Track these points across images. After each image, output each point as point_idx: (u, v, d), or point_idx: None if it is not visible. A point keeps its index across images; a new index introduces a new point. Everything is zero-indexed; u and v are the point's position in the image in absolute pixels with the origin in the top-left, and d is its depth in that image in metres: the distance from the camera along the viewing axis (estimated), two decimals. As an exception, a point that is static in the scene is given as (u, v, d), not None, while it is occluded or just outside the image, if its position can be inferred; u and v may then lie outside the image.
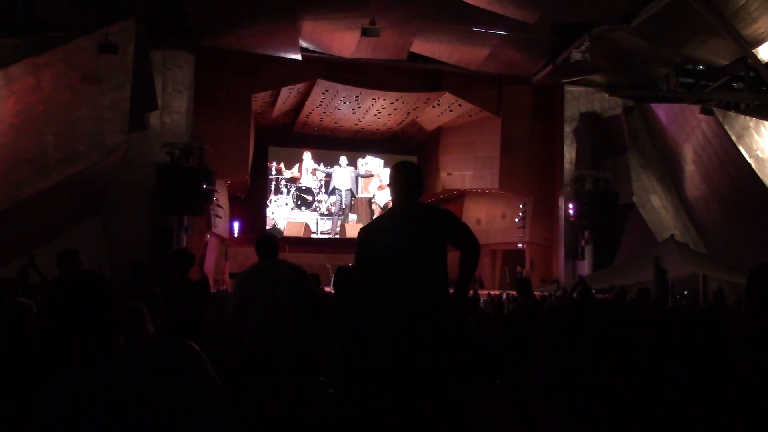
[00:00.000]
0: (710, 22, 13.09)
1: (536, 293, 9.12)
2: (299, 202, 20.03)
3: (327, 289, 11.61)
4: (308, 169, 20.17)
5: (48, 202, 11.30)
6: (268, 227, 18.94)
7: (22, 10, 13.74)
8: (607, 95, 18.14)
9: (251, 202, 19.45)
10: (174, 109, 14.44)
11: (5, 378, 2.80)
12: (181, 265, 5.27)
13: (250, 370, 3.78)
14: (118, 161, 12.50)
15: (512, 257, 19.31)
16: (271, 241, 4.49)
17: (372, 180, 20.68)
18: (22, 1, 13.62)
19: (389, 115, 19.21)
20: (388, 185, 4.11)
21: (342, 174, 20.28)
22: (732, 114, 14.68)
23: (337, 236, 20.09)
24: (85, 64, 11.60)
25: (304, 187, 20.10)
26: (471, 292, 9.41)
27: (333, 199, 20.24)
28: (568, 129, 18.01)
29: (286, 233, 19.19)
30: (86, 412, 1.60)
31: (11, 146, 11.13)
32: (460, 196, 20.34)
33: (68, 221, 12.20)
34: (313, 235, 19.92)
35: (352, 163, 20.51)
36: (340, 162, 20.30)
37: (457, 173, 19.73)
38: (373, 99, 18.14)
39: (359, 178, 20.68)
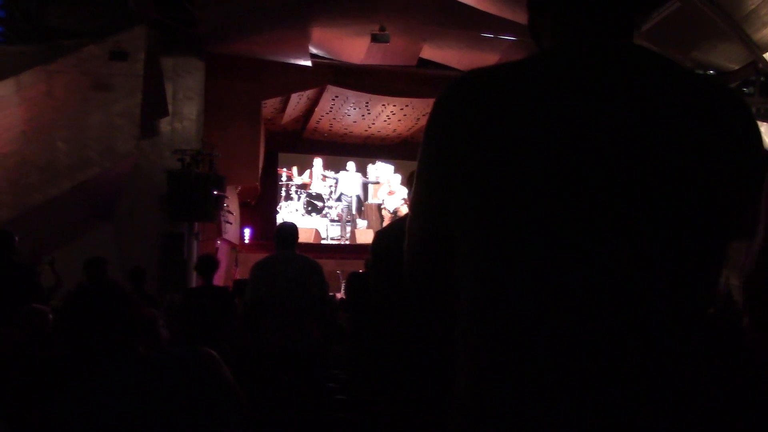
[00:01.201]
0: (720, 26, 13.04)
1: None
2: (309, 208, 20.04)
3: (338, 295, 11.63)
4: (318, 175, 20.16)
5: (59, 208, 11.35)
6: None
7: (34, 17, 13.85)
8: (617, 100, 18.05)
9: (262, 208, 19.46)
10: (184, 116, 14.46)
11: (22, 383, 2.82)
12: (204, 271, 5.33)
13: (259, 369, 3.77)
14: (129, 168, 12.53)
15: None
16: (288, 232, 4.38)
17: (381, 185, 20.65)
18: (34, 9, 13.73)
19: (399, 120, 19.22)
20: (407, 188, 4.05)
21: (349, 180, 20.26)
22: (743, 118, 14.59)
23: (347, 242, 20.08)
24: (96, 71, 11.67)
25: (314, 193, 20.10)
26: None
27: (341, 205, 20.22)
28: (578, 134, 17.91)
29: (296, 239, 19.14)
30: (103, 419, 1.59)
31: (22, 153, 11.20)
32: (471, 201, 20.25)
33: (79, 227, 12.25)
34: (323, 241, 19.91)
35: (361, 169, 20.49)
36: (348, 168, 20.28)
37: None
38: (383, 105, 18.15)
39: (368, 184, 20.65)
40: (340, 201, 20.22)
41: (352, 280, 4.27)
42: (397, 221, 3.53)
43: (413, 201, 1.25)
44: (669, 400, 1.01)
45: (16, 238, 5.04)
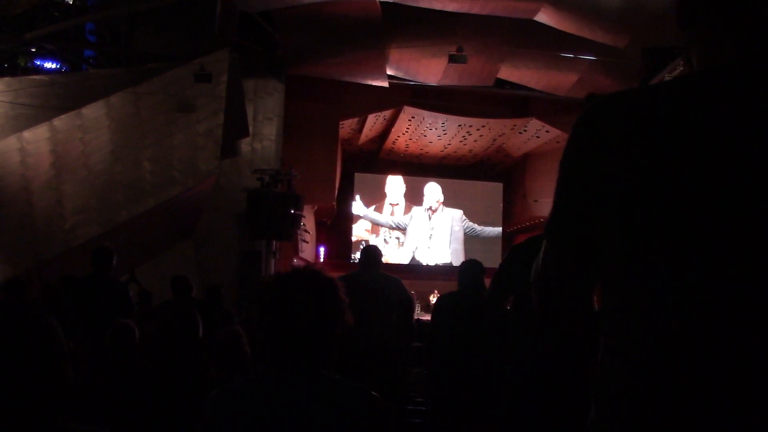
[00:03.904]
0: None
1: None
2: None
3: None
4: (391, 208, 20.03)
5: (144, 225, 11.70)
6: (352, 254, 19.02)
7: (124, 42, 14.45)
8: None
9: (337, 227, 19.61)
10: (264, 136, 14.73)
11: (110, 399, 2.88)
12: None
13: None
14: (210, 186, 12.81)
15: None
16: (372, 253, 4.61)
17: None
18: (123, 34, 14.31)
19: (475, 141, 19.11)
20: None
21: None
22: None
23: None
24: (181, 93, 12.01)
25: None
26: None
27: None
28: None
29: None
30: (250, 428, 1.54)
31: (111, 172, 11.62)
32: (548, 223, 19.92)
33: (162, 244, 12.59)
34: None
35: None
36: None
37: (544, 200, 19.35)
38: (459, 125, 18.09)
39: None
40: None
41: (441, 303, 4.40)
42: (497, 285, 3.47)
43: (553, 229, 1.17)
44: None
45: (115, 256, 5.19)
